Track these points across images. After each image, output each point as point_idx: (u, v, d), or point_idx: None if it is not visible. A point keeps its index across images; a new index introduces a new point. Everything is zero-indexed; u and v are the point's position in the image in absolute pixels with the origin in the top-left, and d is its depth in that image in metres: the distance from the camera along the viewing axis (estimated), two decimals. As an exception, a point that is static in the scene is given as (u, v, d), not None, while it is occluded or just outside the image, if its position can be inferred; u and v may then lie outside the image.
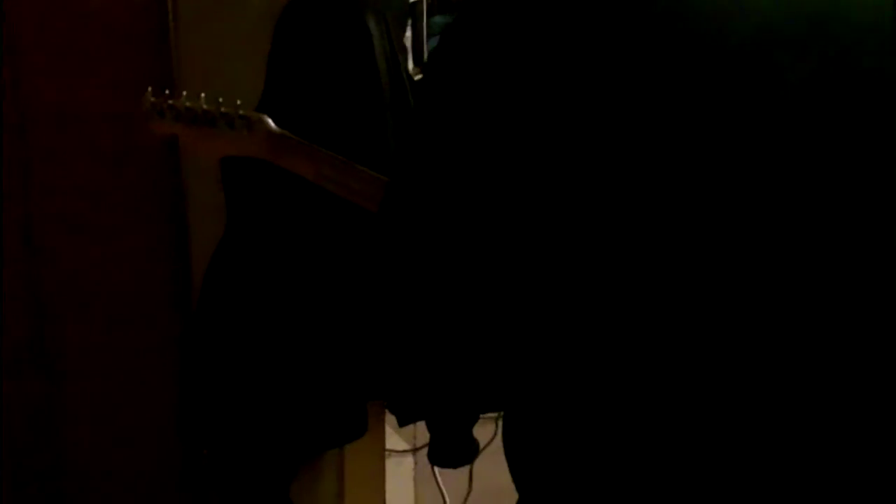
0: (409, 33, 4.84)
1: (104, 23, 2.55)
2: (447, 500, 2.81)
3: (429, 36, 5.43)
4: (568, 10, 1.07)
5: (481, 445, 2.40)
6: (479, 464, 2.52)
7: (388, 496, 2.84)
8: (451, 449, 2.35)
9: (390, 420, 2.66)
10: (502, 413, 1.36)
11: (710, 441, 1.09)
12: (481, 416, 2.32)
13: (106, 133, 2.60)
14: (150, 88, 2.06)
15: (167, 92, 2.07)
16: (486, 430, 2.40)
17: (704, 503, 1.10)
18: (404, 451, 2.99)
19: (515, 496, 1.28)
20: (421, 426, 2.76)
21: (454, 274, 1.21)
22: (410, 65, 4.85)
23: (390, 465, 2.85)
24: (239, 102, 2.04)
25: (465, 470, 2.61)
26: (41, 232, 2.69)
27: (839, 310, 1.04)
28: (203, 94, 2.03)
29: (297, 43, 2.27)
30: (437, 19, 5.85)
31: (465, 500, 2.77)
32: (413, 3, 4.65)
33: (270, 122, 2.04)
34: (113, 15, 2.55)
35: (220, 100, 2.01)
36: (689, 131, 1.04)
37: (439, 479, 2.75)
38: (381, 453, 2.77)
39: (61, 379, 2.77)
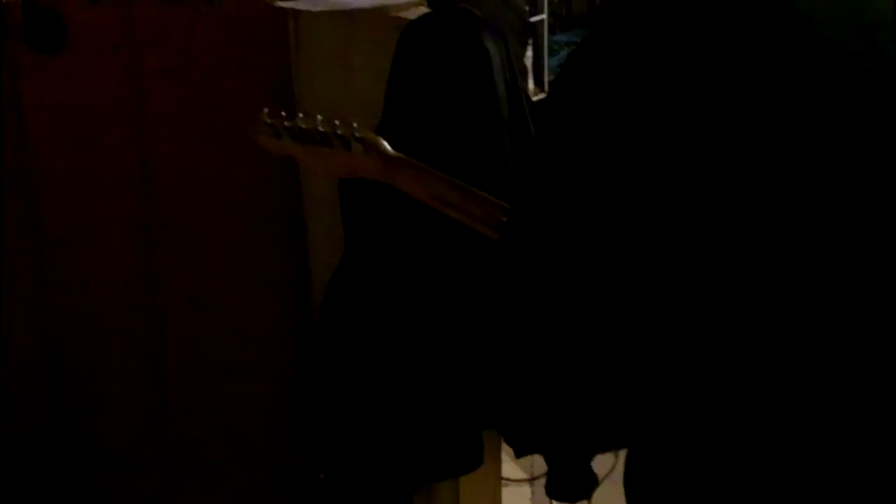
0: (529, 52, 4.82)
1: (225, 45, 2.58)
2: (564, 531, 2.73)
3: (549, 55, 5.39)
4: (683, 41, 1.09)
5: (600, 477, 2.33)
6: (598, 495, 2.44)
7: (504, 525, 2.78)
8: (569, 482, 2.29)
9: (507, 448, 2.61)
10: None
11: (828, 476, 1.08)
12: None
13: (227, 154, 2.62)
14: (265, 109, 2.06)
15: (283, 113, 2.07)
16: (605, 461, 2.33)
17: None
18: (521, 481, 2.93)
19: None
20: (539, 455, 2.70)
21: (575, 304, 1.20)
22: (530, 84, 4.83)
23: (506, 493, 2.80)
24: (356, 125, 2.02)
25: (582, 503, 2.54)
26: (160, 247, 2.72)
27: None
28: (319, 116, 2.02)
29: (417, 65, 2.25)
30: (558, 37, 5.81)
31: (583, 532, 2.69)
32: (534, 22, 4.64)
33: (385, 143, 2.02)
34: (233, 36, 2.58)
35: (337, 122, 2.00)
36: (801, 136, 1.05)
37: (557, 509, 2.68)
38: (497, 482, 2.72)
39: (177, 388, 2.80)
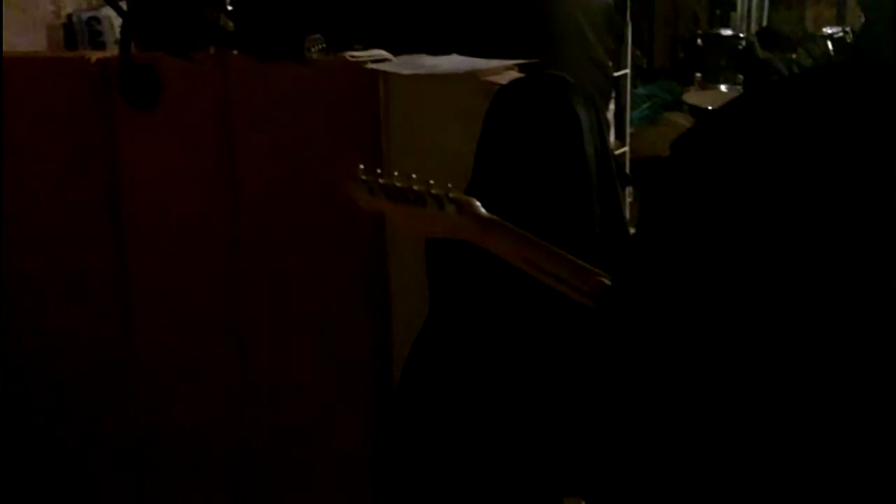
0: (612, 106, 4.82)
1: (316, 103, 2.61)
2: None
3: (631, 108, 5.38)
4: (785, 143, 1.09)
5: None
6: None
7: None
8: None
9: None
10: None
11: None
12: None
13: (315, 211, 2.64)
14: (361, 165, 2.07)
15: (379, 171, 2.07)
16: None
17: None
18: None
19: None
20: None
21: (670, 382, 1.20)
22: (612, 138, 4.82)
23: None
24: (450, 185, 2.02)
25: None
26: (245, 297, 2.75)
27: None
28: (414, 175, 2.02)
29: (508, 129, 2.26)
30: (640, 90, 5.80)
31: None
32: (617, 76, 4.63)
33: (479, 205, 2.00)
34: (324, 96, 2.61)
35: (431, 182, 2.00)
36: None
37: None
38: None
39: (261, 457, 2.82)
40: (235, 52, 2.83)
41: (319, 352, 2.74)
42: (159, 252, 2.75)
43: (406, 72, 2.49)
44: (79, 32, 4.70)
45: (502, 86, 2.29)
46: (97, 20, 4.67)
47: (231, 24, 3.02)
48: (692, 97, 5.26)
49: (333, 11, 2.93)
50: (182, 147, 2.70)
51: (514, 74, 2.40)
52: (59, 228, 2.80)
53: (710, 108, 5.27)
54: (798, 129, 1.11)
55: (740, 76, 5.05)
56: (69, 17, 4.71)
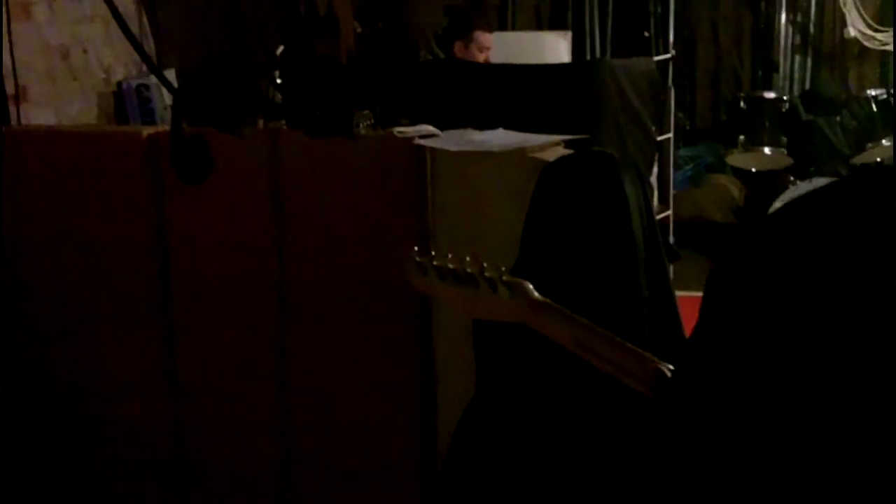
0: (655, 169, 4.82)
1: (363, 178, 2.63)
2: None
3: (674, 168, 5.38)
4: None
5: None
6: None
7: None
8: None
9: None
10: None
11: None
12: None
13: (363, 285, 2.65)
14: (415, 247, 2.07)
15: (433, 252, 2.07)
16: None
17: None
18: None
19: None
20: None
21: (736, 478, 1.19)
22: (655, 201, 4.81)
23: None
24: (503, 268, 2.02)
25: None
26: (294, 372, 2.76)
27: None
28: (468, 257, 2.02)
29: (556, 206, 2.26)
30: (683, 152, 5.79)
31: None
32: (660, 140, 4.64)
33: (532, 288, 1.99)
34: (371, 170, 2.63)
35: (485, 264, 1.99)
36: None
37: None
38: None
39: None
40: (284, 123, 2.87)
41: (365, 432, 2.73)
42: (207, 322, 2.77)
43: (453, 148, 2.50)
44: (128, 99, 4.80)
45: (549, 163, 2.29)
46: (146, 87, 4.77)
47: (280, 96, 3.07)
48: (736, 159, 5.25)
49: (382, 87, 2.97)
50: (231, 219, 2.73)
51: (561, 151, 2.41)
52: (109, 301, 2.83)
53: (752, 169, 5.26)
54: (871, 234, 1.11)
55: (784, 138, 5.02)
56: (119, 84, 4.81)
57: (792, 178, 4.92)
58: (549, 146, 2.43)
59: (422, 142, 2.58)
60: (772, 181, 5.08)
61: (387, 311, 2.62)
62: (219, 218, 2.74)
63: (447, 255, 2.03)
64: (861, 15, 5.42)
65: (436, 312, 2.57)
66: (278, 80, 3.07)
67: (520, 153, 2.40)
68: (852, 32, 5.41)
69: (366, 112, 2.70)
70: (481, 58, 4.62)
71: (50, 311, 2.85)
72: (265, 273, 2.70)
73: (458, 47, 4.63)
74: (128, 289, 2.78)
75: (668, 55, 4.99)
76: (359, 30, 6.09)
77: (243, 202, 2.71)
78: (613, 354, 1.88)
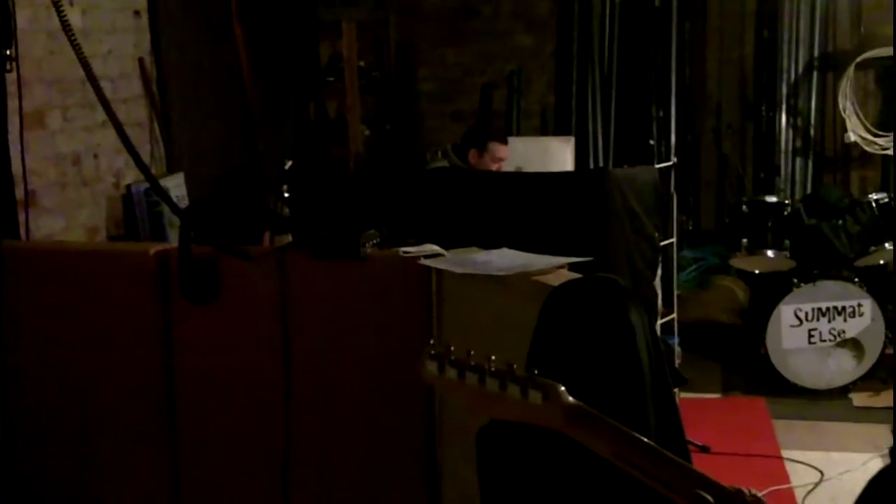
0: (659, 271, 4.84)
1: (370, 298, 2.65)
2: None
3: (678, 270, 5.40)
4: None
5: None
6: None
7: None
8: None
9: None
10: None
11: None
12: None
13: (369, 405, 2.65)
14: (431, 341, 2.00)
15: (452, 347, 1.98)
16: None
17: None
18: None
19: None
20: None
21: None
22: (660, 305, 4.82)
23: None
24: (536, 371, 1.95)
25: None
26: (296, 490, 2.74)
27: None
28: (493, 356, 1.94)
29: (562, 331, 2.26)
30: (687, 253, 5.82)
31: None
32: (664, 245, 4.67)
33: (565, 390, 1.90)
34: (378, 291, 2.65)
35: (514, 365, 1.91)
36: None
37: None
38: None
39: None
40: (290, 239, 2.90)
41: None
42: (211, 443, 2.76)
43: (458, 270, 2.52)
44: (137, 204, 4.85)
45: (555, 288, 2.30)
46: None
47: (287, 210, 3.11)
48: (739, 262, 5.26)
49: (388, 207, 3.00)
50: (238, 338, 2.74)
51: (566, 274, 2.42)
52: (113, 421, 2.82)
53: (756, 272, 5.27)
54: None
55: (787, 241, 5.05)
56: (128, 187, 4.87)
57: (796, 281, 4.94)
58: (554, 269, 2.45)
59: (427, 262, 2.61)
60: (775, 284, 5.10)
61: (391, 424, 2.62)
62: (226, 336, 2.75)
63: (469, 352, 1.93)
64: (861, 120, 5.49)
65: (442, 420, 2.57)
66: (286, 194, 3.12)
67: (525, 277, 2.42)
68: (853, 137, 5.47)
69: (372, 231, 2.73)
70: (494, 167, 4.72)
71: (53, 432, 2.84)
72: (271, 391, 2.70)
73: (472, 155, 4.72)
74: (133, 411, 2.78)
75: (671, 162, 5.05)
76: (367, 133, 6.21)
77: (251, 321, 2.73)
78: (654, 466, 1.78)
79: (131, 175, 4.83)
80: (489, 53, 6.10)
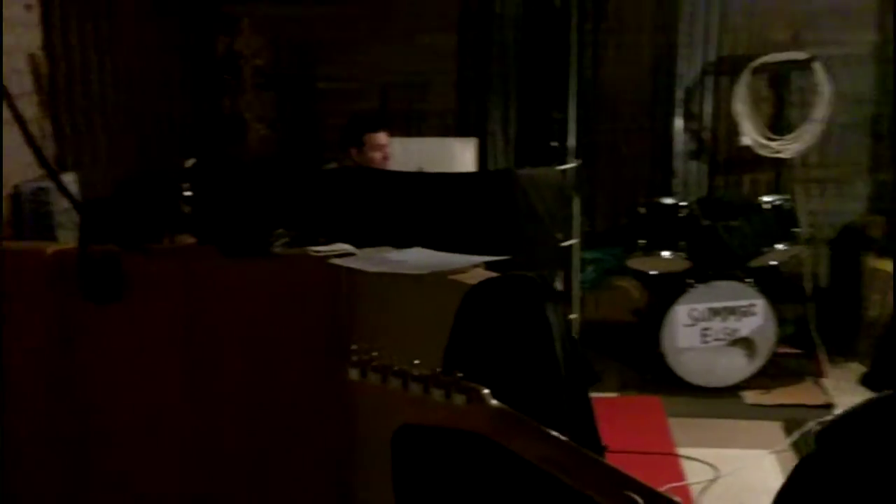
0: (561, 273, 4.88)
1: (281, 299, 2.60)
2: None
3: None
4: None
5: None
6: None
7: None
8: None
9: None
10: None
11: None
12: None
13: (279, 405, 2.60)
14: (354, 345, 1.96)
15: (374, 353, 1.95)
16: None
17: None
18: None
19: None
20: None
21: None
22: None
23: None
24: (460, 374, 1.92)
25: None
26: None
27: None
28: (416, 360, 1.91)
29: (479, 328, 2.26)
30: (585, 255, 5.88)
31: None
32: (567, 246, 4.71)
33: (490, 393, 1.89)
34: (285, 289, 2.60)
35: (438, 369, 1.89)
36: None
37: None
38: None
39: None
40: (192, 239, 2.82)
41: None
42: (119, 444, 2.67)
43: (371, 269, 2.49)
44: (25, 203, 4.66)
45: (472, 287, 2.29)
46: (44, 191, 4.65)
47: (188, 208, 3.02)
48: (636, 263, 5.34)
49: (298, 206, 2.95)
50: (142, 339, 2.66)
51: (483, 273, 2.41)
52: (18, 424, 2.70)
53: (652, 272, 5.35)
54: None
55: (683, 242, 5.14)
56: (16, 187, 4.68)
57: (691, 282, 5.03)
58: (470, 268, 2.44)
59: (338, 261, 2.57)
60: (671, 284, 5.19)
61: (304, 430, 2.57)
62: (130, 337, 2.65)
63: (392, 357, 1.91)
64: (755, 124, 5.63)
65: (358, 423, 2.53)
66: (186, 193, 3.02)
67: (441, 276, 2.40)
68: (747, 141, 5.61)
69: (281, 231, 2.68)
70: (379, 156, 4.68)
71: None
72: (177, 395, 2.63)
73: (354, 154, 4.69)
74: (36, 414, 2.67)
75: (575, 164, 5.10)
76: (263, 132, 6.11)
77: (155, 321, 2.64)
78: (581, 470, 1.76)
79: (18, 174, 4.65)
80: (391, 53, 6.07)
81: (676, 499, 1.52)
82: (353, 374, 1.86)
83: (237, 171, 3.17)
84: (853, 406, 1.27)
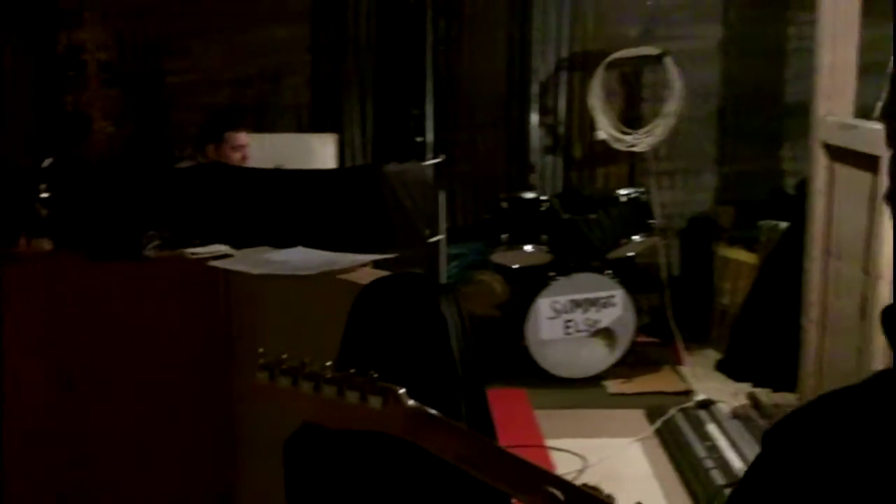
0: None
1: (157, 303, 2.47)
2: None
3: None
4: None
5: None
6: None
7: None
8: None
9: None
10: None
11: None
12: None
13: (158, 414, 2.47)
14: (260, 349, 1.88)
15: (284, 356, 1.87)
16: None
17: None
18: None
19: None
20: None
21: None
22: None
23: None
24: (374, 374, 1.86)
25: None
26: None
27: None
28: (328, 362, 1.85)
29: (374, 327, 2.19)
30: (452, 250, 5.87)
31: None
32: (436, 241, 4.69)
33: (405, 393, 1.83)
34: (165, 296, 2.49)
35: (353, 370, 1.82)
36: None
37: None
38: None
39: None
40: (50, 243, 2.66)
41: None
42: None
43: (253, 271, 2.38)
44: None
45: (365, 286, 2.22)
46: None
47: (45, 211, 2.84)
48: (499, 257, 5.35)
49: (162, 206, 2.81)
50: (13, 348, 2.47)
51: (372, 272, 2.35)
52: None
53: (514, 266, 5.38)
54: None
55: (545, 236, 5.18)
56: None
57: (552, 274, 5.08)
58: (358, 267, 2.36)
59: (217, 263, 2.45)
60: (533, 278, 5.22)
61: (187, 442, 2.45)
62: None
63: (303, 359, 1.84)
64: (608, 118, 5.73)
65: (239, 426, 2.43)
66: (43, 195, 2.84)
67: (330, 276, 2.32)
68: (602, 135, 5.70)
69: (152, 233, 2.54)
70: (238, 156, 4.55)
71: None
72: (47, 406, 2.46)
73: (210, 150, 4.55)
74: None
75: (439, 159, 5.07)
76: (109, 129, 5.85)
77: (19, 330, 2.47)
78: (500, 467, 1.73)
79: None
80: (242, 46, 5.90)
81: (597, 492, 1.50)
82: (262, 377, 1.78)
83: (96, 171, 3.00)
84: (798, 405, 1.27)
